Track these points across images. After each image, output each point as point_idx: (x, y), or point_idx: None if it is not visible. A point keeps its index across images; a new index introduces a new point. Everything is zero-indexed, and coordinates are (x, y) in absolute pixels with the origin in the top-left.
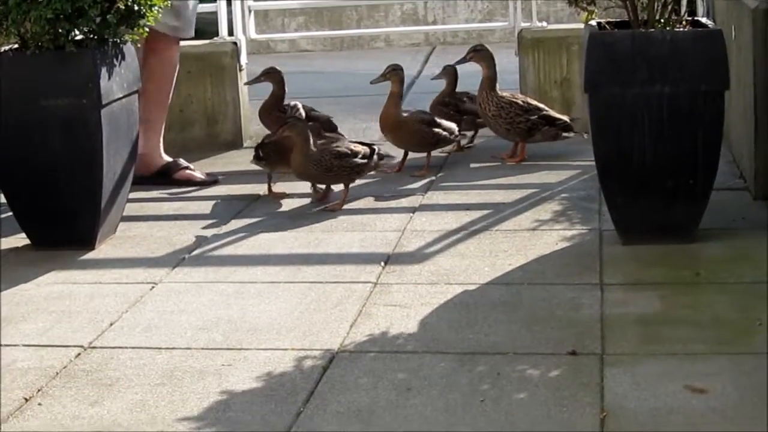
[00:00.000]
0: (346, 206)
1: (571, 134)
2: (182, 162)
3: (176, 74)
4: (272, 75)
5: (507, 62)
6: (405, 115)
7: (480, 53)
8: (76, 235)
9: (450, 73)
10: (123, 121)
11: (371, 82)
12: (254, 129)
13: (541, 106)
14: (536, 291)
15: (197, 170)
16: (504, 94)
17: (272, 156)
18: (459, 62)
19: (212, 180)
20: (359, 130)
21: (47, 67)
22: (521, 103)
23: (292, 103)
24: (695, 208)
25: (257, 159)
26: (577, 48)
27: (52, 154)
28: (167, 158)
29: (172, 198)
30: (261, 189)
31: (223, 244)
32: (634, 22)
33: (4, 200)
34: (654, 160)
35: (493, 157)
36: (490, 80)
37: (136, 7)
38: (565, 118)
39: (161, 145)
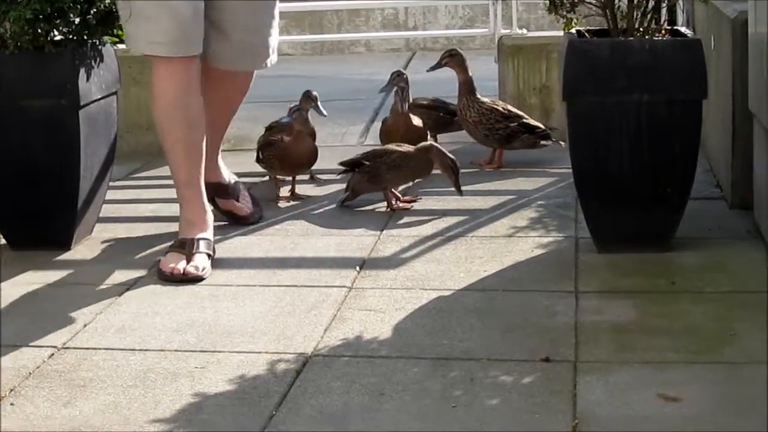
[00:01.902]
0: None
1: (549, 143)
2: (235, 187)
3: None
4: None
5: (486, 69)
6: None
7: (455, 58)
8: (52, 236)
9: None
10: (101, 122)
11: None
12: (233, 134)
13: (521, 113)
14: (511, 297)
15: (246, 200)
16: (485, 99)
17: (272, 160)
18: (434, 68)
19: (256, 218)
20: (338, 135)
21: (26, 67)
22: (502, 109)
23: (294, 106)
24: (672, 217)
25: (258, 160)
26: (556, 56)
27: (29, 155)
28: (225, 177)
29: (148, 200)
30: None
31: None
32: (614, 30)
33: None
34: (631, 169)
35: (471, 163)
36: (467, 85)
37: (115, 9)
38: (544, 126)
39: (218, 157)
